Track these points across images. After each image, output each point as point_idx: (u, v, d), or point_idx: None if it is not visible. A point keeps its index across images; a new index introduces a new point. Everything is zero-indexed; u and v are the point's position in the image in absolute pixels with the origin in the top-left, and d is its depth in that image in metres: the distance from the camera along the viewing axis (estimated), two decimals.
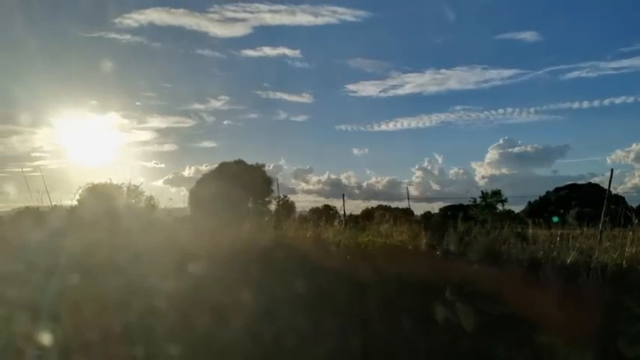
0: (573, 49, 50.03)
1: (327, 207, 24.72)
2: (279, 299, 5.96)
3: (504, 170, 46.79)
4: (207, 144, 55.42)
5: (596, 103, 45.43)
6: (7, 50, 39.09)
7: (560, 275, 6.15)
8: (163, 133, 58.25)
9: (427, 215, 20.63)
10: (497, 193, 21.81)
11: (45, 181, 9.94)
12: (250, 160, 29.91)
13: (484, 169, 47.29)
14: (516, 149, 47.12)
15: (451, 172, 49.38)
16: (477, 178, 46.79)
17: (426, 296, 5.93)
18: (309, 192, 42.81)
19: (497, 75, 47.78)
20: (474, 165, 52.04)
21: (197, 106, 52.79)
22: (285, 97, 53.56)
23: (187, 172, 44.36)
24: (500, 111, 49.62)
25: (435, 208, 26.62)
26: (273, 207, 25.72)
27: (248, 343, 5.22)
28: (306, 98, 53.26)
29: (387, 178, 45.86)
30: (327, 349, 5.15)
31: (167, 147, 53.51)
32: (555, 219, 11.16)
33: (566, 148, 47.56)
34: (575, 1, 46.32)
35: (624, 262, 6.41)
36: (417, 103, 54.06)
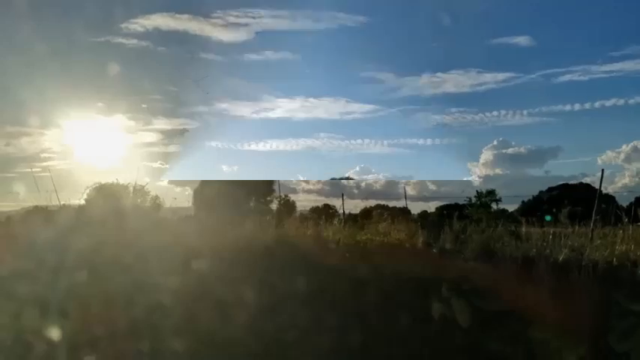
0: (565, 54, 49.88)
1: (326, 206, 24.69)
2: (280, 295, 6.09)
3: (498, 170, 46.62)
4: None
5: (587, 105, 45.30)
6: (16, 54, 39.03)
7: (553, 272, 6.18)
8: (168, 135, 58.16)
9: (424, 214, 20.56)
10: (491, 193, 21.94)
11: (53, 181, 9.96)
12: None
13: (479, 170, 47.47)
14: (510, 150, 47.00)
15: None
16: (472, 178, 46.95)
17: (422, 293, 6.02)
18: (309, 191, 42.83)
19: (491, 78, 47.69)
20: (469, 165, 51.98)
21: (201, 108, 52.90)
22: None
23: None
24: (495, 113, 49.43)
25: (432, 207, 26.51)
26: (274, 206, 25.76)
27: (251, 338, 5.35)
28: None
29: (385, 178, 45.97)
30: (327, 342, 5.29)
31: (172, 148, 53.66)
32: (548, 218, 11.16)
33: (559, 149, 47.31)
34: (568, 6, 46.29)
35: (614, 259, 6.42)
36: (414, 106, 54.20)
